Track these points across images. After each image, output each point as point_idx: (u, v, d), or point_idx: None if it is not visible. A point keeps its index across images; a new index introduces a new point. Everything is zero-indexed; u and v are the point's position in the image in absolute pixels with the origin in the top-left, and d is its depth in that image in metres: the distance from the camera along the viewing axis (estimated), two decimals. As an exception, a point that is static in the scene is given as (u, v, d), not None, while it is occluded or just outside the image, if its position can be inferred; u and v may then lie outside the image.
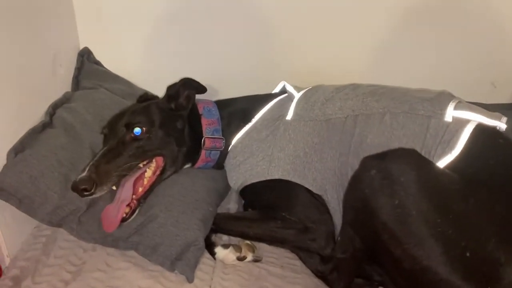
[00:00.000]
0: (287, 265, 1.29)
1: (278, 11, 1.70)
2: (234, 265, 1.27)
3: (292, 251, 1.32)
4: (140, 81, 1.76)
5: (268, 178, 1.27)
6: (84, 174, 1.13)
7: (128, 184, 1.21)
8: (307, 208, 1.25)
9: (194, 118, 1.38)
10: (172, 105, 1.37)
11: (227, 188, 1.47)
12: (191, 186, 1.35)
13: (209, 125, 1.38)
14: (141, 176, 1.25)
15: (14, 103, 1.24)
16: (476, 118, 1.15)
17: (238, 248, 1.27)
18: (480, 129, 1.13)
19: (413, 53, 1.79)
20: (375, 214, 1.02)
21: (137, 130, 1.25)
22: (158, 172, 1.28)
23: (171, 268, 1.20)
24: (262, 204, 1.32)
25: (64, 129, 1.33)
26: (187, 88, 1.37)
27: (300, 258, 1.29)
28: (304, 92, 1.37)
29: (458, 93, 1.27)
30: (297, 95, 1.36)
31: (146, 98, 1.51)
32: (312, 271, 1.26)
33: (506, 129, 1.17)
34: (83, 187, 1.11)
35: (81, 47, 1.71)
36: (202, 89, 1.38)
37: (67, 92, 1.53)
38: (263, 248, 1.33)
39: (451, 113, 1.15)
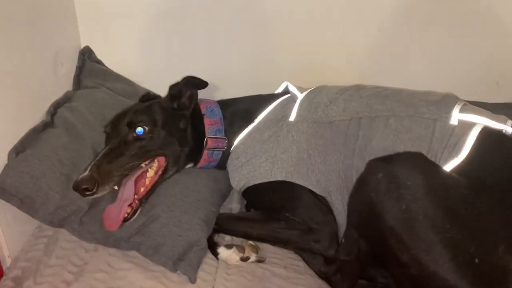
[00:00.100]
0: (290, 266, 1.28)
1: (278, 11, 1.70)
2: (237, 266, 1.26)
3: (296, 252, 1.31)
4: (141, 80, 1.75)
5: (271, 179, 1.26)
6: (86, 173, 1.12)
7: (130, 183, 1.21)
8: (311, 209, 1.24)
9: (196, 118, 1.38)
10: (175, 105, 1.36)
11: (229, 188, 1.46)
12: (193, 186, 1.34)
13: (212, 125, 1.38)
14: (143, 176, 1.25)
15: (15, 102, 1.23)
16: (481, 121, 1.14)
17: (241, 249, 1.27)
18: (486, 132, 1.12)
19: (415, 53, 1.79)
20: (381, 218, 1.01)
21: (139, 129, 1.24)
22: (160, 172, 1.27)
23: (174, 269, 1.19)
24: (265, 205, 1.32)
25: (66, 128, 1.32)
26: (189, 87, 1.36)
27: (304, 259, 1.29)
28: (307, 93, 1.36)
29: (461, 92, 1.27)
30: (300, 96, 1.36)
31: (148, 97, 1.50)
32: (316, 272, 1.26)
33: None
34: (85, 186, 1.10)
35: (83, 46, 1.70)
36: (204, 85, 1.37)
37: (68, 91, 1.53)
38: (267, 248, 1.33)
39: (456, 116, 1.15)
